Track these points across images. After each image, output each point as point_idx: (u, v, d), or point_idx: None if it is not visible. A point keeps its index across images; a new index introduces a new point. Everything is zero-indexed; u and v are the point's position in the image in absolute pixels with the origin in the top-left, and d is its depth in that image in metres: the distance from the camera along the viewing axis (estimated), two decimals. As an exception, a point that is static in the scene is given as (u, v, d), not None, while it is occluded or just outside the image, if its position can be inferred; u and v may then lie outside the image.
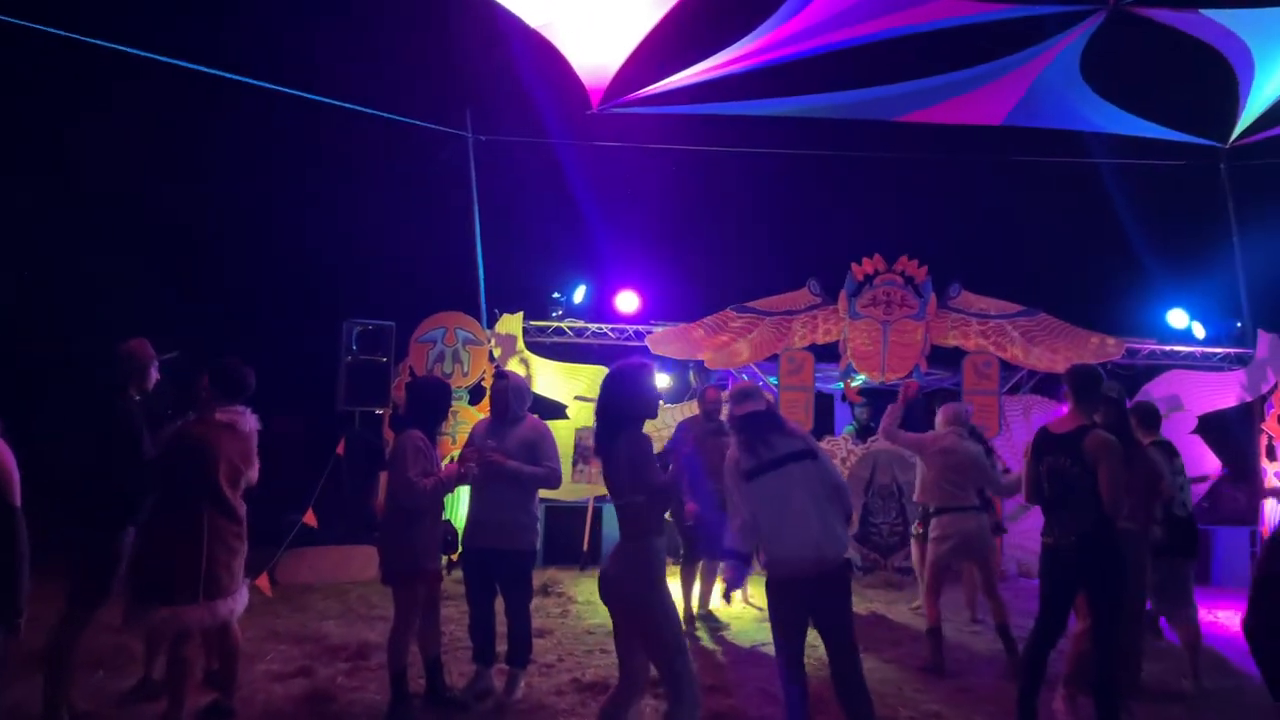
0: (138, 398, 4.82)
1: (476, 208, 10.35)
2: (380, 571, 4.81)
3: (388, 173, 11.31)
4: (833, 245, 11.73)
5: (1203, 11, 7.38)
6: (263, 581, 7.59)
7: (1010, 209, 12.20)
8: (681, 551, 7.96)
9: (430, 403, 4.95)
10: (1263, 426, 10.54)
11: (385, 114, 9.49)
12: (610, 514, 10.02)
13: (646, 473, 3.58)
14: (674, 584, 6.60)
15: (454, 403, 9.70)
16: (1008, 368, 10.44)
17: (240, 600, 4.56)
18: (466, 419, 9.69)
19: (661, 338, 10.10)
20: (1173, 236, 11.87)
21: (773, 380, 10.36)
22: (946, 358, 10.47)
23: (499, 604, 5.23)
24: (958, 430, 6.38)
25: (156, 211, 11.19)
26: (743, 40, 8.44)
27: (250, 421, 4.65)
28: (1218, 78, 8.78)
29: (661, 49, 8.40)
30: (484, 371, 9.83)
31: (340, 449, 9.21)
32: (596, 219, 11.20)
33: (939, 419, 6.53)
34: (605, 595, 3.70)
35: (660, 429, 10.04)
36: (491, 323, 10.04)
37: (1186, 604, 5.79)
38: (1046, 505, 4.53)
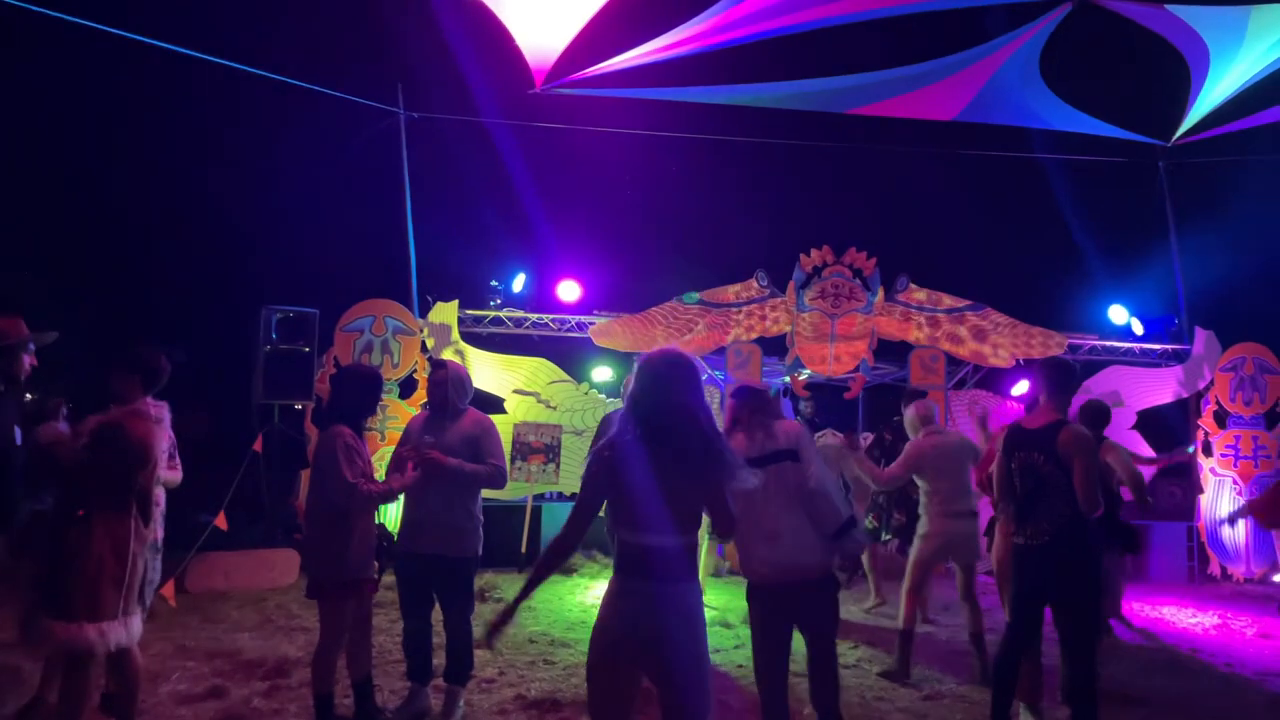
0: (2, 388, 4.21)
1: (408, 189, 9.75)
2: (306, 582, 4.28)
3: (313, 149, 10.59)
4: (780, 236, 11.49)
5: (1168, 7, 7.33)
6: (168, 590, 6.91)
7: (955, 203, 12.14)
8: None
9: (358, 393, 4.43)
10: (1199, 422, 10.67)
11: (310, 85, 8.84)
12: (553, 514, 9.57)
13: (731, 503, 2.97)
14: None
15: (385, 397, 9.11)
16: (953, 362, 10.33)
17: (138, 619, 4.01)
18: (397, 414, 9.12)
19: (605, 329, 9.67)
20: (1114, 233, 11.97)
21: (719, 374, 10.04)
22: (893, 352, 10.31)
23: (435, 614, 4.75)
24: (933, 428, 6.10)
25: (46, 181, 10.22)
26: (693, 20, 8.07)
27: (161, 414, 4.11)
28: (1169, 76, 8.79)
29: (610, 28, 7.97)
30: (416, 363, 9.26)
31: (258, 445, 8.54)
32: (536, 204, 10.70)
33: (911, 416, 6.19)
34: (633, 655, 2.76)
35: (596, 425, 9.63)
36: (424, 311, 9.47)
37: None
38: (1018, 503, 4.33)
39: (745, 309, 9.90)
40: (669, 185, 11.82)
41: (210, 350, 9.37)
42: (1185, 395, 10.69)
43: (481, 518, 4.81)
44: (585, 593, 8.28)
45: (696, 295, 9.77)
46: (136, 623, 3.92)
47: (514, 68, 8.48)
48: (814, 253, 9.77)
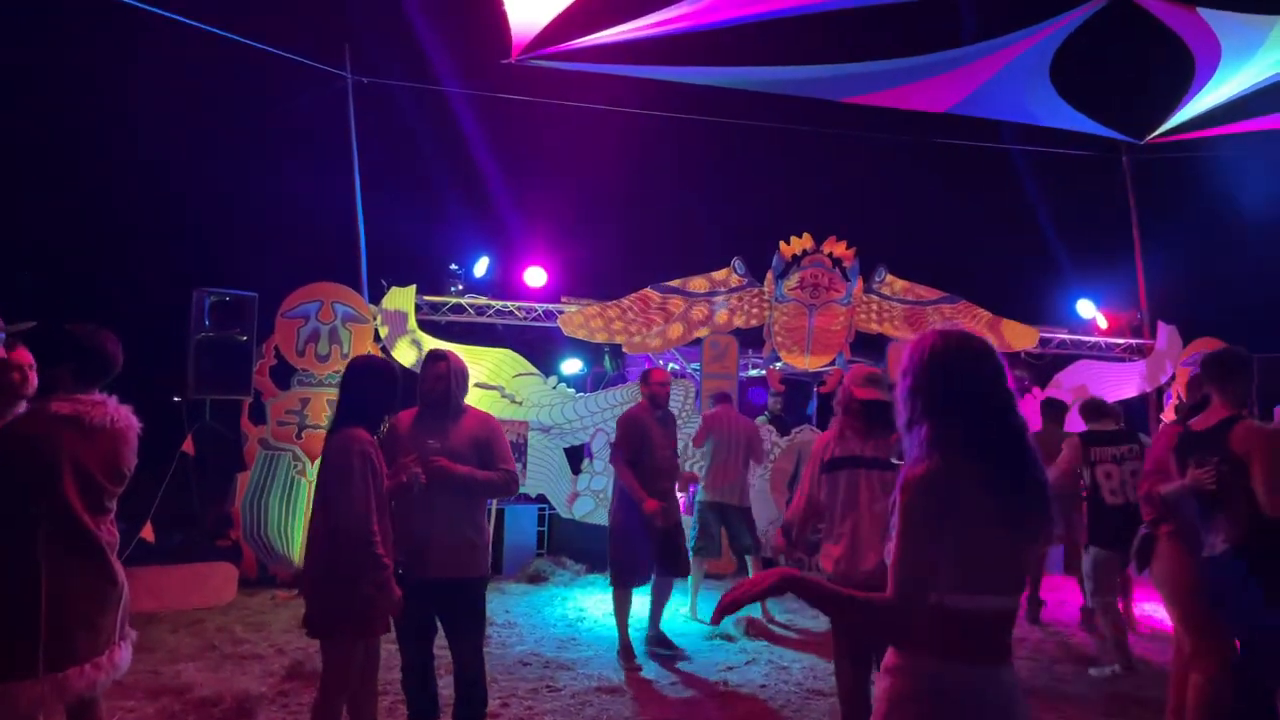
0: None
1: (356, 162, 8.84)
2: (306, 620, 3.51)
3: (253, 114, 9.51)
4: (751, 222, 10.98)
5: (1200, 10, 7.16)
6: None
7: (924, 192, 11.93)
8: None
9: (375, 389, 3.68)
10: (1161, 417, 10.70)
11: (245, 40, 7.86)
12: (516, 518, 8.85)
13: None
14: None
15: (333, 391, 8.21)
16: (930, 356, 10.04)
17: (115, 664, 3.19)
18: (347, 409, 8.21)
19: (574, 318, 8.99)
20: (1081, 227, 11.95)
21: (694, 366, 9.50)
22: (869, 344, 9.96)
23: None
24: None
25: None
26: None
27: (113, 413, 3.24)
28: (1165, 75, 8.68)
29: (604, 3, 7.28)
30: (369, 354, 8.37)
31: (188, 446, 7.57)
32: (501, 184, 9.91)
33: None
34: None
35: (572, 422, 8.97)
36: (377, 297, 8.59)
37: (1109, 592, 5.89)
38: (1199, 513, 3.91)
39: (722, 298, 9.37)
40: (643, 167, 11.19)
41: (134, 339, 8.24)
42: (1148, 390, 10.72)
43: (490, 530, 4.16)
44: (565, 605, 7.60)
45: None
46: (78, 677, 3.11)
47: (485, 33, 7.73)
48: (794, 240, 9.32)
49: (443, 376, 3.98)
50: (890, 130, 10.64)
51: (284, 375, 8.13)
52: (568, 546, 8.97)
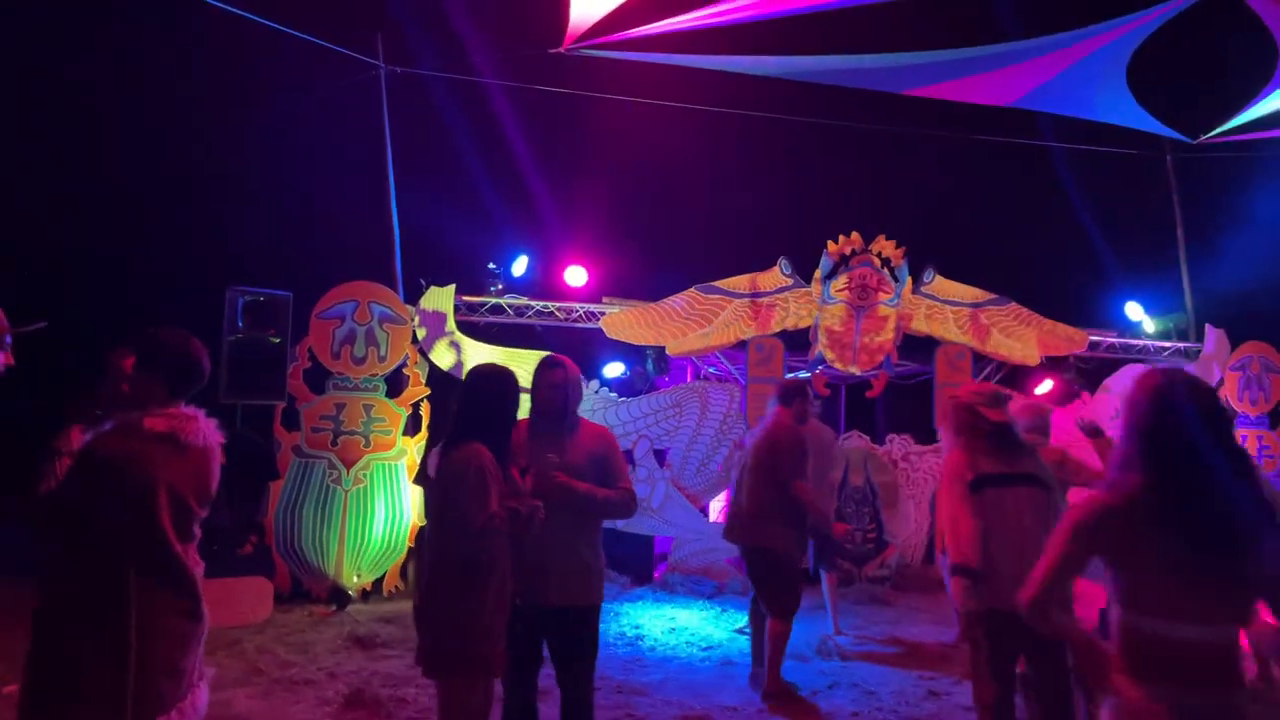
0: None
1: (390, 155, 8.45)
2: (421, 655, 3.16)
3: (287, 107, 9.06)
4: (794, 221, 10.63)
5: None
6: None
7: (963, 189, 11.62)
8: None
9: (496, 401, 3.34)
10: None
11: (275, 25, 7.46)
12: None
13: None
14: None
15: (370, 395, 7.85)
16: (977, 359, 9.75)
17: (197, 709, 2.85)
18: (384, 415, 7.84)
19: (617, 320, 8.63)
20: (1127, 226, 11.66)
21: (737, 370, 9.16)
22: (915, 347, 9.64)
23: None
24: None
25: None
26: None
27: (204, 430, 2.89)
28: (1238, 74, 8.38)
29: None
30: (406, 356, 8.00)
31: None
32: (540, 179, 9.51)
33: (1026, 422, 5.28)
34: None
35: (614, 428, 8.61)
36: (413, 296, 8.21)
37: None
38: None
39: (768, 300, 9.04)
40: (688, 164, 10.80)
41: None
42: (1196, 394, 10.44)
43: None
44: (619, 622, 7.25)
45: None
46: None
47: (527, 21, 7.34)
48: (841, 239, 8.98)
49: (559, 386, 3.64)
50: (932, 126, 10.31)
51: (318, 379, 7.74)
52: (608, 559, 8.60)
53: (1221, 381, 10.40)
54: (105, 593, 2.68)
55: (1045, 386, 10.06)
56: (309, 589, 7.54)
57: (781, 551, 5.33)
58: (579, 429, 3.73)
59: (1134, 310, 10.52)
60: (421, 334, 8.09)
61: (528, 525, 3.29)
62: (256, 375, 7.36)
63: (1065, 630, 2.32)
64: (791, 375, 9.43)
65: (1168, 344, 10.64)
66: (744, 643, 6.59)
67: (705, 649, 6.52)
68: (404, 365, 7.99)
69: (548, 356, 3.80)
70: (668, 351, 8.84)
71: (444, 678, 3.10)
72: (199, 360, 2.93)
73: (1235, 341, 10.44)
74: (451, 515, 3.09)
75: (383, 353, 7.88)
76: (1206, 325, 10.47)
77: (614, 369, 9.25)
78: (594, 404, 8.56)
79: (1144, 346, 10.49)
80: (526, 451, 3.58)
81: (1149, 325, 10.63)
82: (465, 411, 3.29)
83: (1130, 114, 9.06)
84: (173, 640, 2.80)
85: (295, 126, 8.83)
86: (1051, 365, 10.00)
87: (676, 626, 7.16)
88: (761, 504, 5.32)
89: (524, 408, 3.61)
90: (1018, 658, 3.67)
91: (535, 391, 3.72)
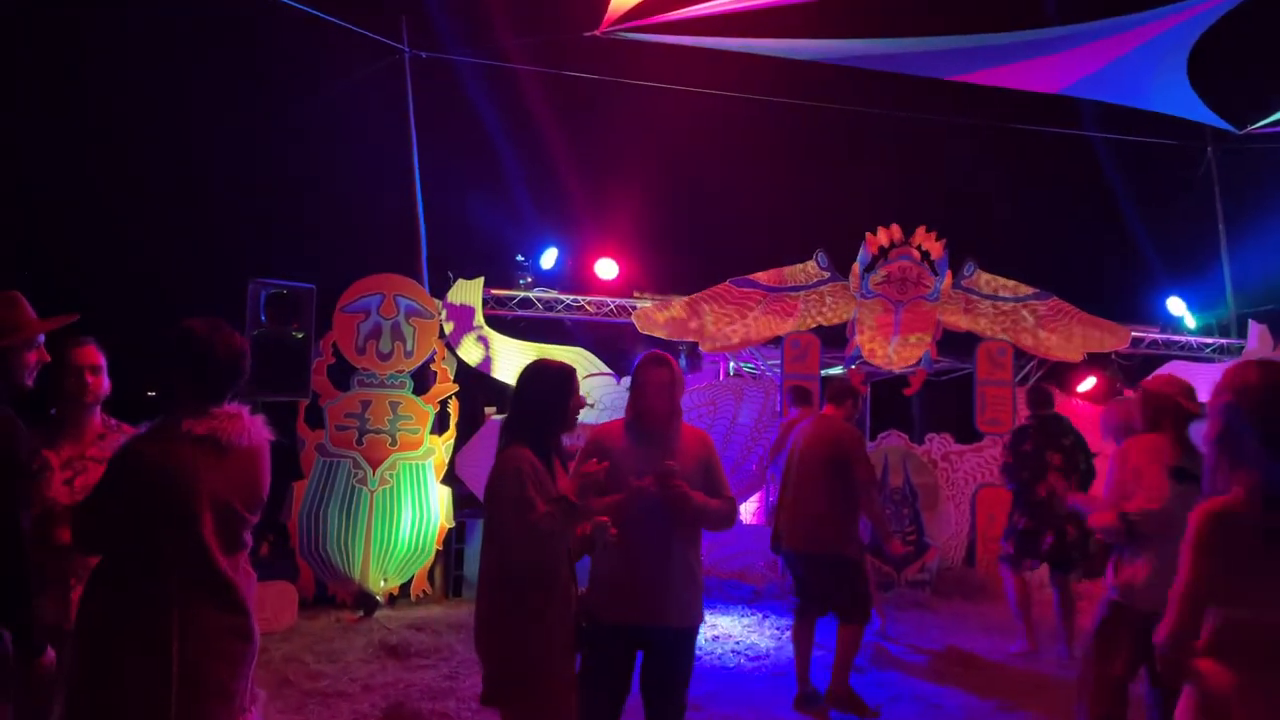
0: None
1: (415, 144, 8.15)
2: (486, 684, 2.86)
3: (308, 94, 8.75)
4: (829, 213, 10.31)
5: None
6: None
7: (998, 179, 11.30)
8: None
9: (539, 400, 3.04)
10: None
11: (297, 4, 7.15)
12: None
13: None
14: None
15: (396, 392, 7.55)
16: (1018, 356, 9.44)
17: None
18: (411, 413, 7.55)
19: (650, 315, 8.33)
20: (1168, 219, 11.35)
21: (775, 364, 8.87)
22: (953, 344, 9.33)
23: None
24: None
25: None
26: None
27: (250, 429, 2.61)
28: None
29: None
30: (434, 352, 7.70)
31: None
32: (570, 169, 9.20)
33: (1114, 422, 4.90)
34: None
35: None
36: (439, 289, 7.91)
37: None
38: None
39: (804, 294, 8.74)
40: (722, 153, 10.48)
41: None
42: (1239, 392, 10.15)
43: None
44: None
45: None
46: None
47: (565, 3, 7.02)
48: (881, 231, 8.69)
49: (666, 387, 3.33)
50: (970, 114, 10.00)
51: (343, 375, 7.44)
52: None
53: (1266, 379, 10.12)
54: (148, 609, 2.43)
55: (1088, 384, 9.77)
56: (334, 593, 7.25)
57: (855, 558, 5.05)
58: (681, 433, 3.41)
59: (1176, 305, 10.22)
60: (449, 328, 7.80)
61: (590, 543, 3.02)
62: (279, 371, 7.04)
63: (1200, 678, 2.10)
64: (826, 372, 9.15)
65: (1210, 340, 10.34)
66: (791, 649, 6.30)
67: (753, 659, 6.23)
68: (431, 361, 7.70)
69: (651, 354, 3.48)
70: (701, 348, 8.55)
71: (503, 707, 2.81)
72: (236, 353, 2.64)
73: (1279, 337, 10.15)
74: (495, 528, 2.83)
75: (409, 348, 7.59)
76: (1250, 320, 10.18)
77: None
78: (624, 401, 8.25)
79: (1186, 343, 10.20)
80: (632, 456, 3.28)
81: (1190, 321, 10.33)
82: (516, 411, 3.02)
83: (1183, 104, 8.74)
84: (222, 660, 2.54)
85: (317, 114, 8.55)
86: (1093, 362, 9.71)
87: (719, 634, 6.86)
88: (829, 508, 5.01)
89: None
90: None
91: (639, 392, 3.42)
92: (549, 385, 3.07)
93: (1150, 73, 7.90)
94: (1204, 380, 9.12)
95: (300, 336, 7.14)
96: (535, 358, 8.13)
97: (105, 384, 3.18)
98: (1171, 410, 3.53)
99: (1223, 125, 9.47)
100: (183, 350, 2.63)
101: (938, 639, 6.95)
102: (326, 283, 7.33)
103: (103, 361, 3.18)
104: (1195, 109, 8.79)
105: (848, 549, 5.03)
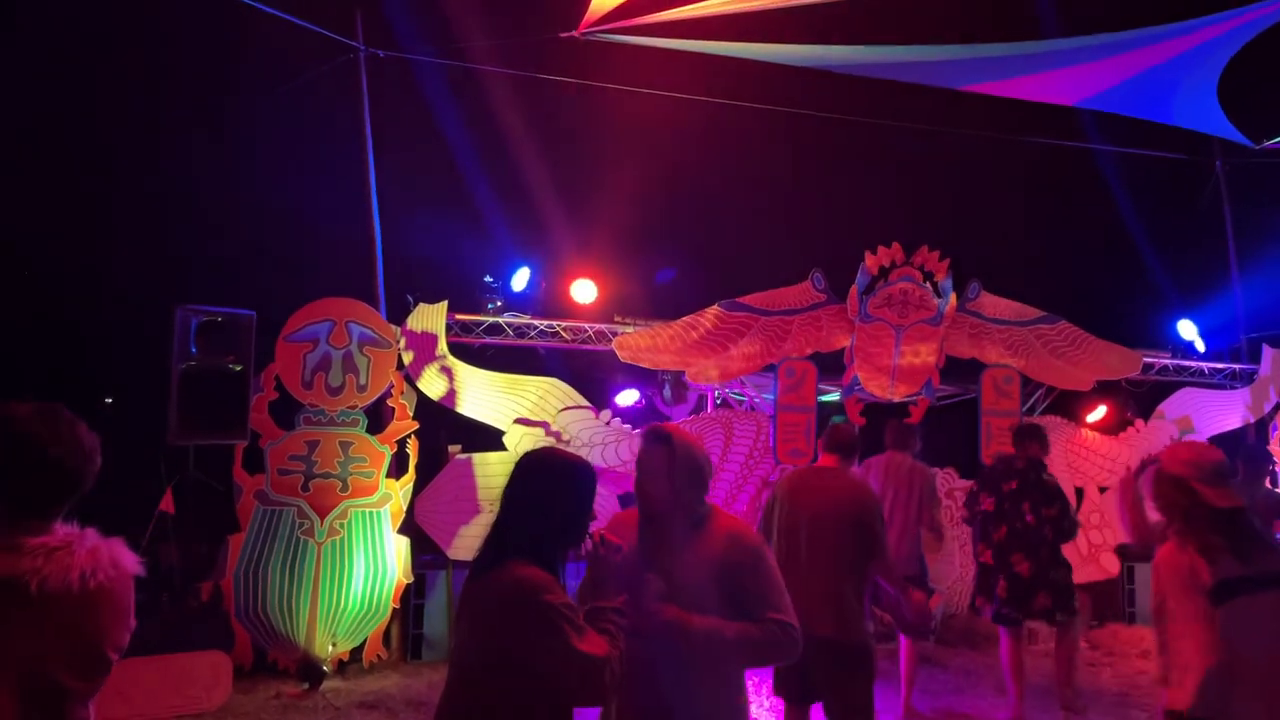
0: None
1: (371, 154, 7.36)
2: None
3: (248, 100, 7.86)
4: (828, 231, 9.63)
5: None
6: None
7: (1000, 197, 10.69)
8: None
9: (563, 503, 2.30)
10: (1268, 449, 9.60)
11: None
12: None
13: None
14: None
15: (348, 431, 6.74)
16: (1025, 384, 8.82)
17: None
18: (365, 454, 6.74)
19: (632, 341, 7.58)
20: (1175, 238, 10.80)
21: (768, 397, 8.17)
22: (959, 369, 8.68)
23: None
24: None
25: None
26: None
27: (86, 564, 1.85)
28: None
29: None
30: (389, 385, 6.90)
31: (166, 503, 6.05)
32: (545, 182, 8.42)
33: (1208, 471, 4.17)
34: None
35: (628, 463, 7.56)
36: (397, 315, 7.11)
37: None
38: None
39: (799, 318, 8.04)
40: (709, 167, 9.71)
41: (101, 369, 6.69)
42: (1252, 420, 9.62)
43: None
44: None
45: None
46: None
47: (540, 2, 6.28)
48: (881, 250, 8.00)
49: (657, 474, 2.59)
50: (972, 127, 9.37)
51: (287, 413, 6.62)
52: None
53: (1278, 405, 9.60)
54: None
55: (1098, 413, 9.18)
56: (275, 660, 6.40)
57: (873, 647, 4.28)
58: (705, 529, 2.62)
59: (1186, 329, 9.65)
60: (408, 358, 7.00)
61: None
62: (213, 410, 6.24)
63: None
64: (823, 399, 8.48)
65: (1222, 365, 9.80)
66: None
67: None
68: (388, 395, 6.89)
69: (650, 428, 2.72)
70: (687, 377, 7.82)
71: None
72: (79, 456, 1.88)
73: (1291, 362, 9.63)
74: (511, 683, 2.08)
75: (363, 381, 6.78)
76: (1263, 346, 9.67)
77: (627, 396, 8.21)
78: (604, 437, 7.51)
79: (1198, 369, 9.64)
80: (630, 563, 2.53)
81: (1200, 345, 9.78)
82: (512, 517, 2.26)
83: (1204, 118, 8.16)
84: None
85: (259, 120, 7.67)
86: (1102, 390, 9.12)
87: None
88: (844, 586, 4.25)
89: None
90: None
91: (636, 478, 2.67)
92: (577, 484, 2.34)
93: (1179, 84, 7.30)
94: (1214, 407, 8.55)
95: (238, 370, 6.33)
96: (505, 389, 7.40)
97: None
98: (1184, 509, 2.81)
99: (1239, 139, 8.92)
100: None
101: (948, 702, 6.29)
102: (268, 309, 6.52)
103: None
104: (1217, 123, 8.23)
105: (865, 636, 4.27)
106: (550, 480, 2.31)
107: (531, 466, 2.36)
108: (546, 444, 7.33)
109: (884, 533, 4.25)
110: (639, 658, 2.52)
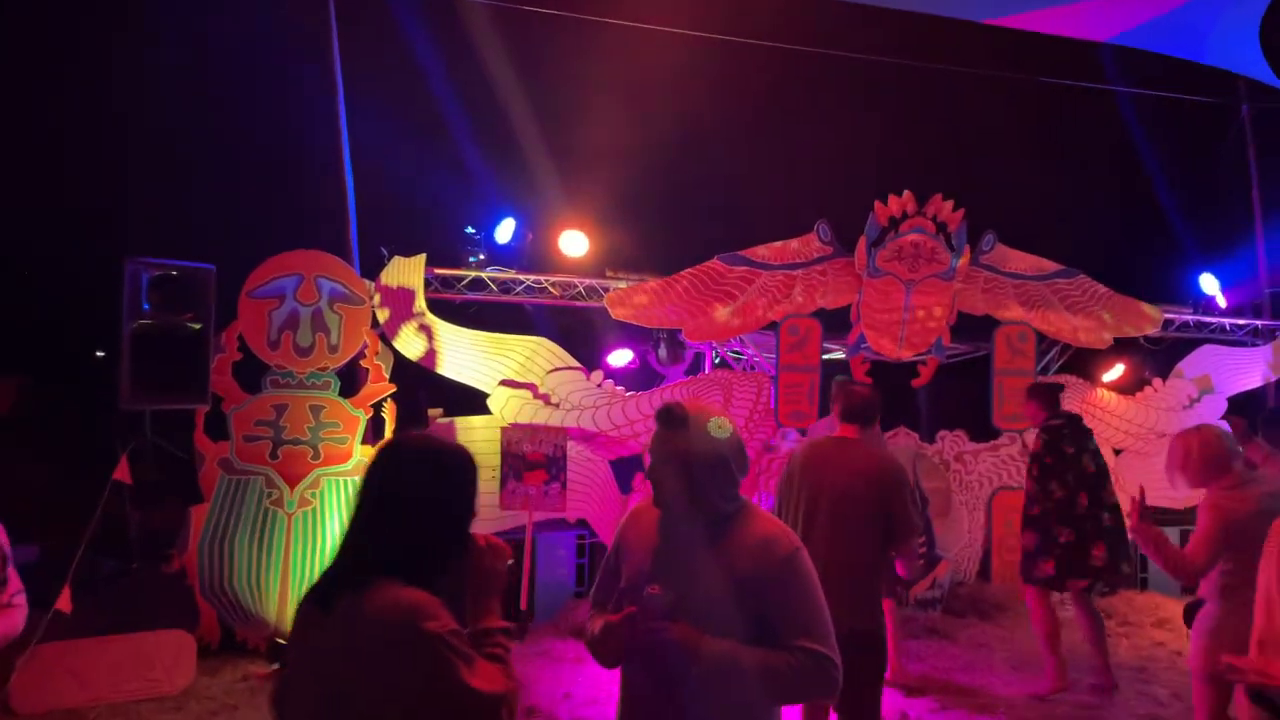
0: None
1: (340, 91, 6.76)
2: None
3: (204, 32, 7.18)
4: (834, 179, 9.06)
5: None
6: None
7: (1009, 139, 10.10)
8: None
9: (445, 504, 1.85)
10: (1288, 410, 9.21)
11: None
12: (549, 548, 7.04)
13: None
14: None
15: (319, 394, 6.27)
16: (1040, 341, 8.37)
17: None
18: (338, 418, 6.28)
19: (625, 297, 7.09)
20: (1197, 187, 10.27)
21: (770, 356, 7.71)
22: (968, 325, 8.21)
23: None
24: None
25: None
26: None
27: None
28: None
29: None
30: (363, 345, 6.41)
31: (121, 472, 5.58)
32: (532, 125, 7.81)
33: (1217, 445, 3.80)
34: None
35: (621, 428, 7.14)
36: (372, 269, 6.59)
37: None
38: None
39: (802, 272, 7.55)
40: (709, 108, 9.07)
41: (47, 328, 6.19)
42: (1273, 378, 9.22)
43: None
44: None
45: None
46: None
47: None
48: (892, 200, 7.48)
49: (672, 458, 2.12)
50: (985, 68, 8.77)
51: (252, 375, 6.13)
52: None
53: (1302, 364, 9.19)
54: None
55: (1115, 372, 8.78)
56: (244, 639, 6.01)
57: (884, 634, 3.87)
58: (732, 531, 2.17)
59: (1208, 283, 9.19)
60: (383, 316, 6.50)
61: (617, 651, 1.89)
62: (170, 372, 5.76)
63: None
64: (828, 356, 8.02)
65: (1244, 321, 9.37)
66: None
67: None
68: (361, 356, 6.40)
69: (664, 407, 2.21)
70: (684, 335, 7.34)
71: None
72: None
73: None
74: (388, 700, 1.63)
75: (334, 340, 6.29)
76: (1286, 299, 9.25)
77: (620, 356, 7.73)
78: (596, 399, 7.06)
79: (1219, 325, 9.20)
80: (639, 556, 2.10)
81: (1221, 301, 9.33)
82: (383, 527, 1.79)
83: (1245, 59, 7.58)
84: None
85: (217, 54, 6.99)
86: (1119, 347, 8.69)
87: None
88: (865, 572, 3.82)
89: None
90: None
91: (648, 464, 2.22)
92: (444, 484, 1.86)
93: (1216, 18, 6.72)
94: (1234, 365, 8.25)
95: (197, 328, 5.83)
96: (489, 349, 6.91)
97: None
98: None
99: (1271, 80, 8.35)
100: None
101: (958, 679, 5.95)
102: (230, 262, 5.99)
103: None
104: (1253, 62, 7.66)
105: (878, 622, 3.85)
106: (426, 475, 1.82)
107: (400, 459, 1.87)
108: (534, 407, 6.89)
109: (912, 515, 3.81)
110: (639, 683, 2.10)
